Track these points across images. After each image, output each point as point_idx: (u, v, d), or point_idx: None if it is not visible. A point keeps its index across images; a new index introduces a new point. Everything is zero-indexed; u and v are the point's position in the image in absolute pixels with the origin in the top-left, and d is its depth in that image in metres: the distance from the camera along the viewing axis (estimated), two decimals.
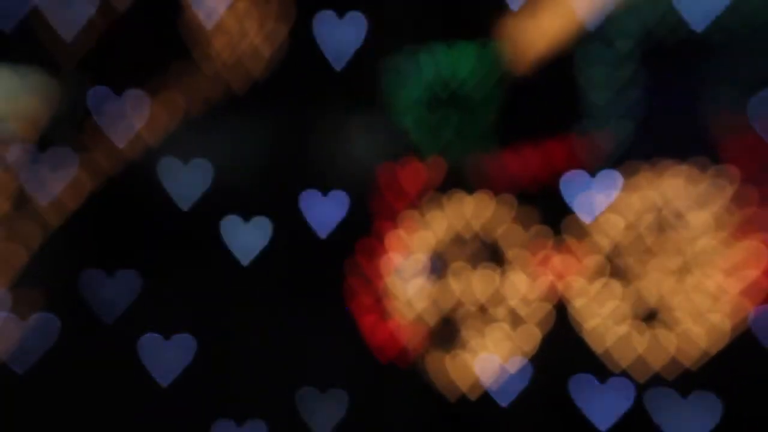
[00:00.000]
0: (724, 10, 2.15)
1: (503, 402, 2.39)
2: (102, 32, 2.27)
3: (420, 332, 2.45)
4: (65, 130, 2.32)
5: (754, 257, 2.23)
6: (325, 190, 2.44)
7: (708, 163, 2.27)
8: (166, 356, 2.34)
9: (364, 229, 2.42)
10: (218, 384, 2.39)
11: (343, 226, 2.42)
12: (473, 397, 2.42)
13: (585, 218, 2.35)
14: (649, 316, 2.31)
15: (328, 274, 2.40)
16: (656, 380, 2.28)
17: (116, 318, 2.33)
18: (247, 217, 2.40)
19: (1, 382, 2.24)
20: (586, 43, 2.33)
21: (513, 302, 2.44)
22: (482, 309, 2.45)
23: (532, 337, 2.40)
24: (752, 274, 2.22)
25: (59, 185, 2.30)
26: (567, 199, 2.36)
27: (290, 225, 2.41)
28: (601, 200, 2.36)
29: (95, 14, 2.25)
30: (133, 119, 2.31)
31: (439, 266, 2.45)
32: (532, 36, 2.37)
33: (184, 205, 2.36)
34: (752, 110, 2.21)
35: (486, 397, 2.40)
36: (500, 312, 2.44)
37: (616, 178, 2.35)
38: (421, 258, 2.46)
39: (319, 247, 2.41)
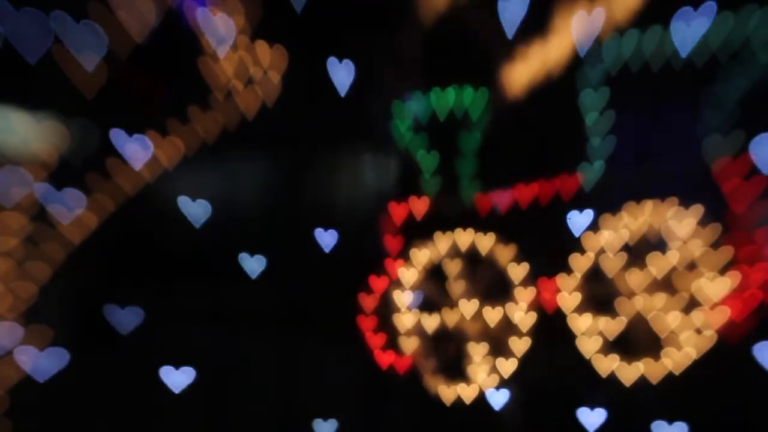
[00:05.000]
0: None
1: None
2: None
3: (419, 347, 2.58)
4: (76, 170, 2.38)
5: (731, 289, 2.35)
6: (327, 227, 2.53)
7: (689, 201, 2.40)
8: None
9: (369, 264, 2.55)
10: None
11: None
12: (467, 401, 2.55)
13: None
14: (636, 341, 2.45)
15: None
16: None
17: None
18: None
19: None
20: (575, 84, 2.46)
21: (507, 329, 2.56)
22: (477, 334, 2.58)
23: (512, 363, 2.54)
24: (729, 302, 2.35)
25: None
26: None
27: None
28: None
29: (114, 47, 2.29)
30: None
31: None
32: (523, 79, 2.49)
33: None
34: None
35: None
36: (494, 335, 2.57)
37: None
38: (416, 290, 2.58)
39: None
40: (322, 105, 2.52)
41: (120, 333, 2.36)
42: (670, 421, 2.39)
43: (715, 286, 2.36)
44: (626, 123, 2.44)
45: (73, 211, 2.35)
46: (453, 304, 2.59)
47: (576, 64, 2.43)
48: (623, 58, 2.40)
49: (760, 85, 2.26)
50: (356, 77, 2.51)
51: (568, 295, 2.52)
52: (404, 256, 2.60)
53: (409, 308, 2.60)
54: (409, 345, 2.60)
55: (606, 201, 2.47)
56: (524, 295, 2.56)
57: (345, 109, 2.52)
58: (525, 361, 2.53)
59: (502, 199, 2.57)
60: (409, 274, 2.61)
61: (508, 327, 2.56)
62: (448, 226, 2.59)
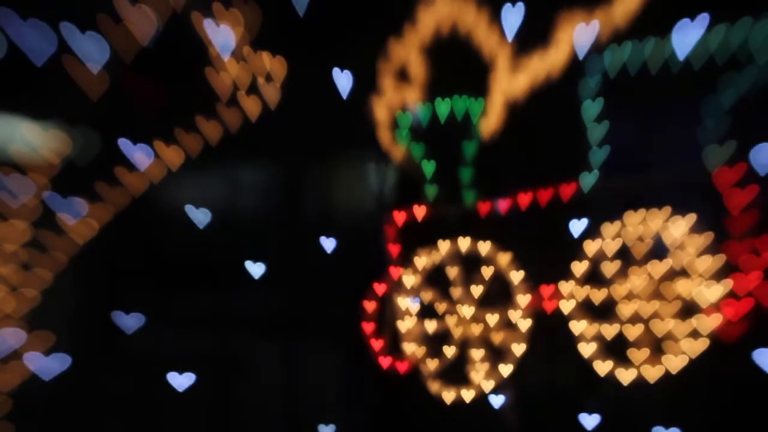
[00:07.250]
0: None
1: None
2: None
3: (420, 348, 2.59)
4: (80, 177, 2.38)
5: (726, 295, 2.35)
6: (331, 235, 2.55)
7: (685, 209, 2.41)
8: None
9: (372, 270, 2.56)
10: None
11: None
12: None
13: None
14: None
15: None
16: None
17: None
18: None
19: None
20: (572, 94, 2.48)
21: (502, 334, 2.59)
22: (478, 337, 2.60)
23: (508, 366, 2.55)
24: (724, 308, 2.36)
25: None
26: None
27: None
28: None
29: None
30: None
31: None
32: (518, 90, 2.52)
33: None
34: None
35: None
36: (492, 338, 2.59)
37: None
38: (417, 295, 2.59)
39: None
40: (323, 114, 2.53)
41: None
42: (667, 426, 2.41)
43: (710, 292, 2.38)
44: (623, 132, 2.46)
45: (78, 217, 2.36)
46: (453, 310, 2.61)
47: (575, 74, 2.46)
48: (621, 68, 2.42)
49: (756, 94, 2.29)
50: (358, 86, 2.53)
51: (567, 301, 2.54)
52: (405, 262, 2.61)
53: (411, 313, 2.60)
54: (410, 349, 2.61)
55: (604, 209, 2.48)
56: (524, 302, 2.57)
57: (346, 117, 2.55)
58: (524, 366, 2.54)
59: (502, 205, 2.59)
60: (410, 280, 2.62)
61: (508, 332, 2.57)
62: (448, 233, 2.61)
